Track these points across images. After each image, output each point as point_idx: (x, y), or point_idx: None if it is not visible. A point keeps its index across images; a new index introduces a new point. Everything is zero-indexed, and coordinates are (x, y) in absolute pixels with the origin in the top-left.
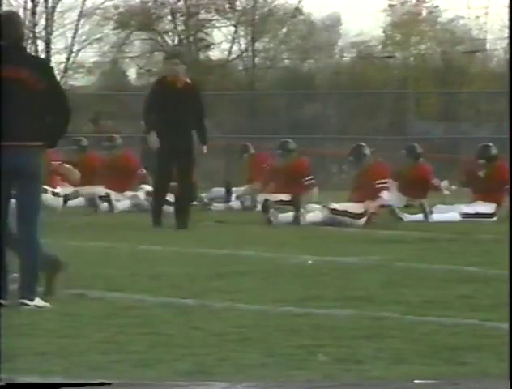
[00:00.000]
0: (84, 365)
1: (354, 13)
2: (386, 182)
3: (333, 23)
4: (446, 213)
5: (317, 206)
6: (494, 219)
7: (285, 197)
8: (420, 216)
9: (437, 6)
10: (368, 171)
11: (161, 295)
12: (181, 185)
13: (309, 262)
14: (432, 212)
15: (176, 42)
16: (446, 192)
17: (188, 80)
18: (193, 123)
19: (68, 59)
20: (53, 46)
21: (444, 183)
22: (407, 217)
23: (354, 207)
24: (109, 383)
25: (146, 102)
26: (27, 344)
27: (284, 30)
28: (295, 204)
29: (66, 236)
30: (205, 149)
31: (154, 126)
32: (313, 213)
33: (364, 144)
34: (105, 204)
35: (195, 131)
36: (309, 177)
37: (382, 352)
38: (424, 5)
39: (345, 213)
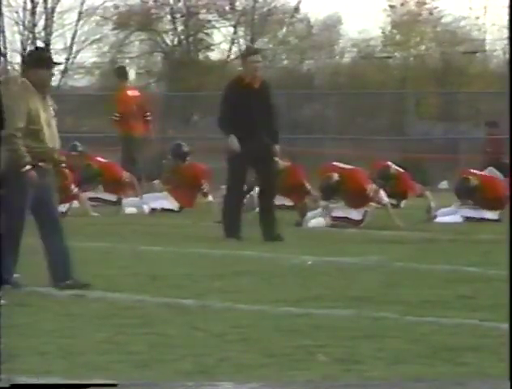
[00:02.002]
0: (84, 365)
1: (354, 13)
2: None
3: (333, 23)
4: (450, 215)
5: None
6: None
7: (288, 202)
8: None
9: (437, 7)
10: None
11: (161, 295)
12: (265, 190)
13: (309, 262)
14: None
15: (175, 43)
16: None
17: (263, 78)
18: (267, 123)
19: (67, 60)
20: (52, 47)
21: (444, 183)
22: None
23: (354, 214)
24: (115, 385)
25: (222, 103)
26: (27, 344)
27: (284, 30)
28: (300, 210)
29: (67, 236)
30: (278, 149)
31: (232, 129)
32: (316, 220)
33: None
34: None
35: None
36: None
37: (382, 353)
38: (425, 6)
39: (346, 220)
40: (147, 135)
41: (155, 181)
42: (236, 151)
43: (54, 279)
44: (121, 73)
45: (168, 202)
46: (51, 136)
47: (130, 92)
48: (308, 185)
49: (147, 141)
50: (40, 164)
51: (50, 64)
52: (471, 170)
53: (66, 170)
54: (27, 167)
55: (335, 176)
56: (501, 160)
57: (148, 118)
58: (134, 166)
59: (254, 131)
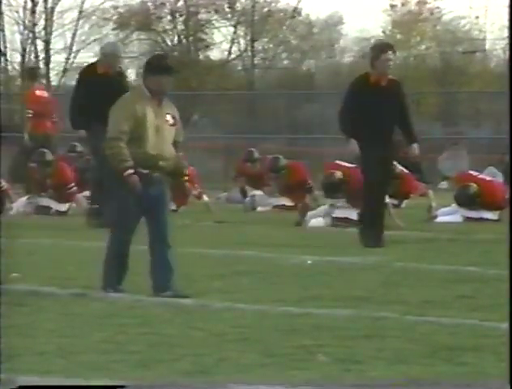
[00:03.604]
0: (84, 364)
1: (354, 13)
2: (72, 187)
3: (334, 23)
4: (450, 215)
5: (321, 211)
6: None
7: (288, 202)
8: None
9: (438, 7)
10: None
11: (161, 295)
12: (379, 194)
13: (309, 262)
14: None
15: (175, 42)
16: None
17: (391, 76)
18: (398, 124)
19: (67, 59)
20: (52, 46)
21: (443, 183)
22: None
23: (355, 214)
24: (123, 386)
25: (345, 101)
26: (27, 344)
27: (284, 30)
28: (301, 209)
29: (66, 236)
30: (417, 148)
31: (354, 131)
32: (316, 220)
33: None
34: None
35: (401, 132)
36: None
37: (382, 352)
38: (426, 6)
39: (347, 220)
40: (53, 134)
41: None
42: (356, 155)
43: (154, 287)
44: (32, 74)
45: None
46: (158, 143)
47: (38, 92)
48: (311, 182)
49: (51, 140)
50: (143, 171)
51: (169, 71)
52: (471, 173)
53: (186, 182)
54: (129, 171)
55: (338, 173)
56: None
57: (54, 119)
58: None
59: (381, 132)
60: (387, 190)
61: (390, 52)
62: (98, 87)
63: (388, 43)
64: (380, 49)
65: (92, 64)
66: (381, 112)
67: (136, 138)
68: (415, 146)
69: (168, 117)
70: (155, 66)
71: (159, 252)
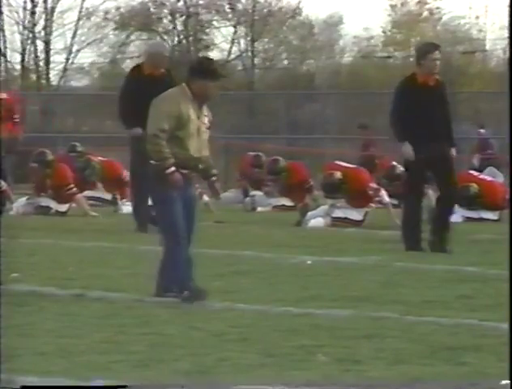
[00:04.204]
0: (84, 365)
1: (354, 13)
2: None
3: (334, 23)
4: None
5: (321, 211)
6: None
7: (288, 201)
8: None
9: (438, 7)
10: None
11: (161, 295)
12: (444, 198)
13: (309, 262)
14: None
15: (175, 43)
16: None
17: (437, 77)
18: (444, 124)
19: (67, 59)
20: (52, 46)
21: None
22: None
23: (355, 214)
24: (125, 386)
25: (394, 103)
26: (28, 344)
27: (284, 30)
28: (301, 209)
29: (66, 236)
30: (454, 152)
31: (406, 132)
32: (316, 220)
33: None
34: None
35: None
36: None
37: (382, 353)
38: (426, 6)
39: (347, 220)
40: (15, 136)
41: None
42: (411, 159)
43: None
44: None
45: None
46: (198, 146)
47: None
48: (311, 182)
49: (14, 142)
50: (182, 171)
51: (215, 76)
52: (471, 173)
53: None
54: (172, 169)
55: (338, 174)
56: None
57: (16, 120)
58: None
59: (431, 133)
60: (454, 192)
61: (436, 52)
62: (144, 87)
63: (434, 43)
64: (427, 48)
65: (139, 65)
66: (432, 112)
67: (179, 138)
68: (453, 150)
69: (206, 120)
70: (201, 70)
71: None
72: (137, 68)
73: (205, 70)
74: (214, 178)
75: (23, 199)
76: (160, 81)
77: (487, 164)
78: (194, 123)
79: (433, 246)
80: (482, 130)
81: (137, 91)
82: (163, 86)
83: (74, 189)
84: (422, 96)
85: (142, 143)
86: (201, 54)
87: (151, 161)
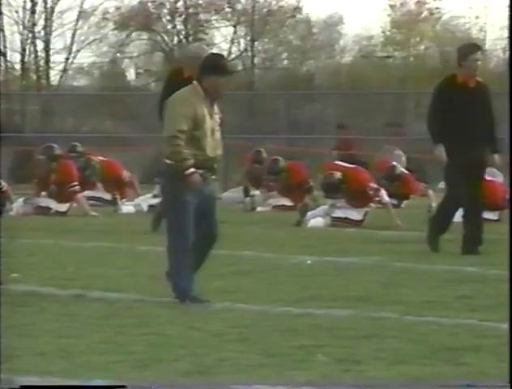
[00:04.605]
0: (84, 365)
1: (354, 13)
2: (76, 185)
3: (334, 23)
4: None
5: (320, 211)
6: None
7: (288, 201)
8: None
9: (437, 7)
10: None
11: (160, 295)
12: (473, 201)
13: (308, 262)
14: None
15: (175, 42)
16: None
17: (479, 78)
18: (485, 128)
19: (67, 59)
20: (52, 46)
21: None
22: None
23: (354, 214)
24: (123, 387)
25: (433, 105)
26: (27, 345)
27: (284, 30)
28: (301, 209)
29: (66, 236)
30: (498, 159)
31: (442, 135)
32: (316, 220)
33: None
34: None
35: (484, 137)
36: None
37: (382, 353)
38: (425, 5)
39: (346, 220)
40: None
41: None
42: (444, 162)
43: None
44: None
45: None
46: (213, 145)
47: None
48: (311, 182)
49: None
50: (199, 171)
51: (225, 72)
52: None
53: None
54: (191, 170)
55: (338, 174)
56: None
57: None
58: None
59: (470, 137)
60: (480, 194)
61: (478, 52)
62: None
63: (476, 44)
64: (468, 49)
65: (178, 68)
66: (471, 114)
67: (196, 138)
68: (496, 156)
69: (217, 118)
70: (211, 66)
71: (202, 255)
72: (176, 71)
73: (215, 65)
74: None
75: (21, 200)
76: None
77: None
78: (208, 122)
79: (465, 249)
80: None
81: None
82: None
83: (77, 187)
84: (461, 97)
85: None
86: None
87: (167, 161)
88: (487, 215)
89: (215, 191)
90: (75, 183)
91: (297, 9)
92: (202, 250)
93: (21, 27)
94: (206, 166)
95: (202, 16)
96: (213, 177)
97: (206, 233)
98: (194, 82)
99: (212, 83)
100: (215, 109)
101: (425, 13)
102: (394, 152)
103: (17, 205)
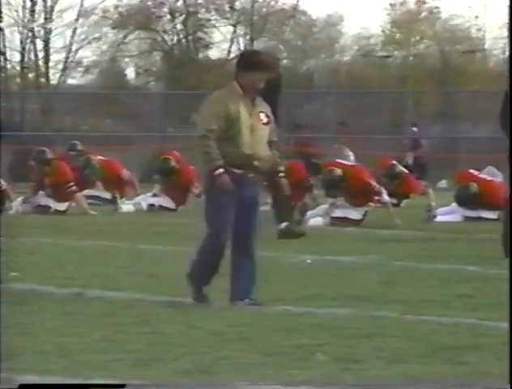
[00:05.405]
0: (83, 363)
1: (354, 12)
2: (72, 185)
3: (334, 22)
4: (449, 215)
5: (320, 210)
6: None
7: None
8: None
9: (437, 7)
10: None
11: (160, 294)
12: None
13: (308, 261)
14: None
15: (175, 41)
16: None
17: None
18: None
19: (67, 58)
20: (51, 45)
21: (443, 182)
22: None
23: (354, 214)
24: (123, 385)
25: (504, 103)
26: (27, 343)
27: (283, 29)
28: (301, 209)
29: (65, 235)
30: None
31: None
32: (315, 219)
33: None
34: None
35: None
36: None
37: (381, 352)
38: (425, 5)
39: (346, 220)
40: None
41: None
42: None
43: (232, 294)
44: None
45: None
46: (252, 142)
47: None
48: (311, 181)
49: None
50: (236, 170)
51: (261, 67)
52: (471, 172)
53: (283, 181)
54: (220, 170)
55: (338, 171)
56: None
57: None
58: None
59: None
60: None
61: None
62: None
63: None
64: None
65: None
66: None
67: (230, 137)
68: None
69: (262, 116)
70: (248, 62)
71: (243, 259)
72: None
73: (252, 62)
74: (280, 175)
75: (19, 199)
76: (271, 86)
77: (419, 163)
78: (245, 120)
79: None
80: (414, 129)
81: None
82: (275, 91)
83: (74, 187)
84: None
85: None
86: (202, 53)
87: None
88: (487, 214)
89: (254, 190)
90: (71, 183)
91: (297, 8)
92: (241, 252)
93: (21, 26)
94: (244, 164)
95: (201, 15)
96: (252, 175)
97: (242, 234)
98: (233, 81)
99: (249, 79)
100: (260, 106)
101: (425, 12)
102: (343, 152)
103: (16, 204)
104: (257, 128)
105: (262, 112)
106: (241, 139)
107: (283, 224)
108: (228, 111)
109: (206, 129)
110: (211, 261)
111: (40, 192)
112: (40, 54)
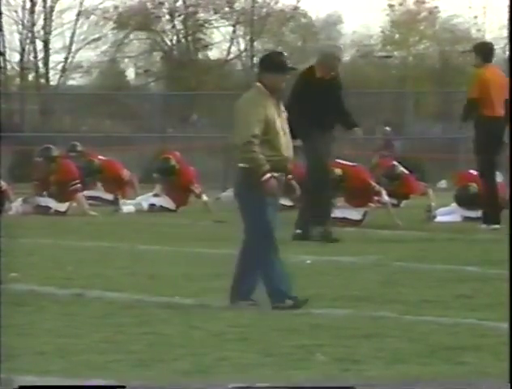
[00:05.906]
0: (83, 364)
1: (353, 12)
2: (77, 183)
3: (333, 22)
4: (449, 215)
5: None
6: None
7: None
8: None
9: (436, 7)
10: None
11: (160, 295)
12: None
13: (308, 261)
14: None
15: (174, 42)
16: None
17: None
18: None
19: (66, 59)
20: (51, 46)
21: (442, 182)
22: None
23: (354, 214)
24: (123, 386)
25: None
26: (27, 344)
27: (283, 29)
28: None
29: (65, 236)
30: None
31: None
32: None
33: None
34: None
35: None
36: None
37: (381, 352)
38: (424, 5)
39: (345, 220)
40: None
41: None
42: None
43: (272, 298)
44: None
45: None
46: (287, 144)
47: None
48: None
49: None
50: (275, 174)
51: (284, 69)
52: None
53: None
54: (268, 175)
55: (338, 171)
56: None
57: None
58: None
59: None
60: None
61: None
62: (316, 91)
63: None
64: None
65: (311, 67)
66: None
67: (269, 140)
68: None
69: (285, 116)
70: (272, 63)
71: (273, 261)
72: (309, 70)
73: (275, 63)
74: (289, 176)
75: (20, 199)
76: (330, 85)
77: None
78: (278, 122)
79: None
80: (387, 129)
81: (308, 94)
82: (334, 90)
83: (79, 185)
84: None
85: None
86: (201, 54)
87: (242, 165)
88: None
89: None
90: (76, 181)
91: (296, 8)
92: (274, 253)
93: (20, 26)
94: (282, 167)
95: (201, 16)
96: (287, 177)
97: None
98: (257, 83)
99: (273, 80)
100: (281, 107)
101: (424, 12)
102: None
103: (16, 204)
104: (285, 129)
105: (284, 111)
106: (279, 141)
107: (319, 228)
108: (266, 114)
109: (252, 134)
110: (278, 266)
111: (44, 192)
112: (40, 55)
